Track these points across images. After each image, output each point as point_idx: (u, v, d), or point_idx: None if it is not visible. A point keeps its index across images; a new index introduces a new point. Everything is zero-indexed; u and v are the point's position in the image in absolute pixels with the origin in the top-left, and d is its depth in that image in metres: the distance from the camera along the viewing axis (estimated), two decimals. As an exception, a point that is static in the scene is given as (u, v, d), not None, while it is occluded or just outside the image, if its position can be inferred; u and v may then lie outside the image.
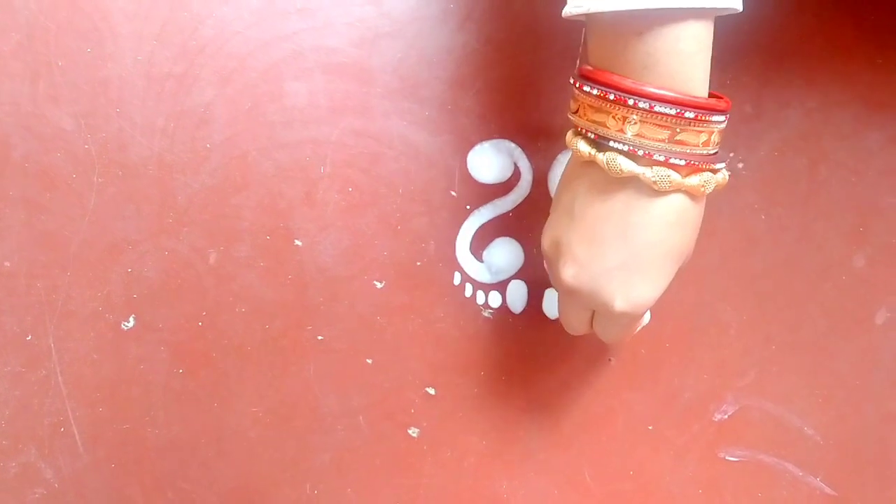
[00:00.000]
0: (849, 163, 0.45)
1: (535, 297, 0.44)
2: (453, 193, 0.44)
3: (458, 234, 0.44)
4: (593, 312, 0.37)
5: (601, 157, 0.33)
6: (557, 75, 0.44)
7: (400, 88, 0.44)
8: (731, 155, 0.44)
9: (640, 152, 0.32)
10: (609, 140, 0.32)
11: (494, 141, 0.44)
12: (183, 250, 0.43)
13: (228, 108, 0.43)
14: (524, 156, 0.44)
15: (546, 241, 0.37)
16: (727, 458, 0.44)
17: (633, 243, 0.33)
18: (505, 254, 0.44)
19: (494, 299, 0.44)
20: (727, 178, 0.35)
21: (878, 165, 0.45)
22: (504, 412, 0.44)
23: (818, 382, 0.44)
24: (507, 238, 0.44)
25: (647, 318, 0.41)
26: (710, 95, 0.33)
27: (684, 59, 0.32)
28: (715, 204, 0.44)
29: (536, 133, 0.44)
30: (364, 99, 0.44)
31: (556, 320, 0.44)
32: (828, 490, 0.44)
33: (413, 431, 0.44)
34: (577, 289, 0.35)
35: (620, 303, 0.34)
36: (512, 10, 0.44)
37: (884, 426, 0.44)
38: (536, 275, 0.44)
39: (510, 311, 0.44)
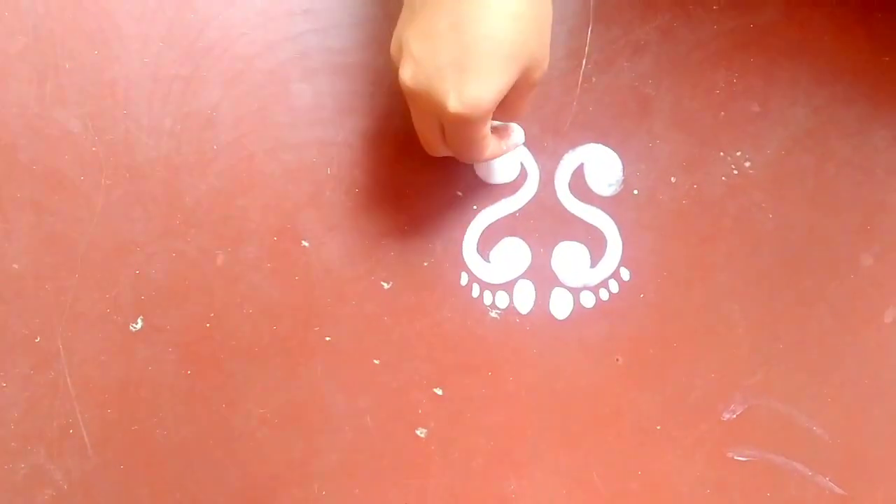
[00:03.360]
0: (856, 161, 0.44)
1: (542, 298, 0.44)
2: (460, 194, 0.44)
3: (464, 234, 0.44)
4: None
5: None
6: (563, 76, 0.44)
7: (406, 89, 0.44)
8: (738, 153, 0.44)
9: None
10: None
11: (501, 141, 0.44)
12: (190, 252, 0.43)
13: (235, 109, 0.43)
14: (531, 156, 0.44)
15: (393, 44, 0.35)
16: (735, 457, 0.44)
17: (464, 37, 0.32)
18: (512, 254, 0.44)
19: (501, 299, 0.44)
20: None
21: (886, 163, 0.44)
22: (512, 412, 0.44)
23: (826, 381, 0.44)
24: (514, 238, 0.44)
25: (519, 135, 0.39)
26: None
27: None
28: (722, 202, 0.44)
29: (542, 133, 0.44)
30: (369, 100, 0.44)
31: (564, 321, 0.44)
32: (836, 489, 0.44)
33: (421, 432, 0.44)
34: (414, 90, 0.33)
35: (454, 102, 0.32)
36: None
37: (892, 425, 0.44)
38: (543, 275, 0.44)
39: (517, 312, 0.44)
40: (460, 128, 0.34)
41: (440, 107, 0.33)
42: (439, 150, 0.38)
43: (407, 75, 0.33)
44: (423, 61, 0.33)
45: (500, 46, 0.32)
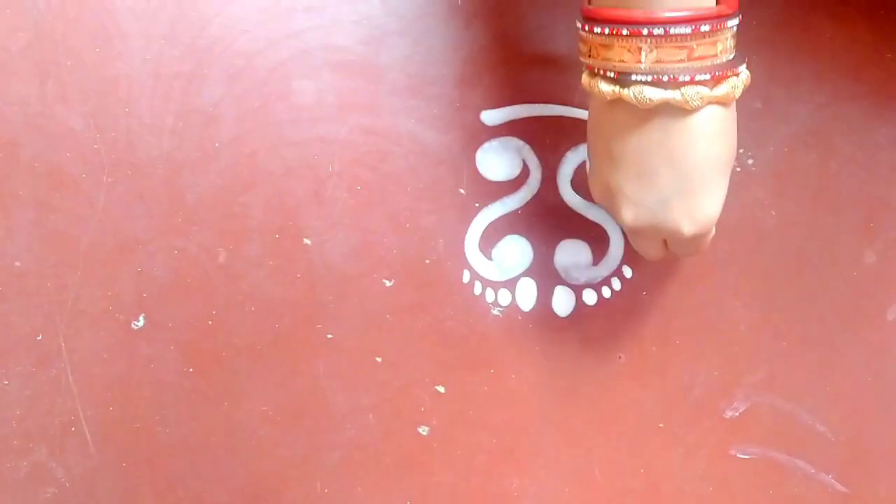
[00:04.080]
0: (859, 158, 0.44)
1: (544, 295, 0.44)
2: (462, 191, 0.44)
3: (467, 231, 0.44)
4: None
5: (627, 93, 0.32)
6: (565, 72, 0.44)
7: (408, 86, 0.44)
8: (741, 151, 0.44)
9: (665, 78, 0.32)
10: (630, 74, 0.32)
11: (503, 138, 0.44)
12: (192, 249, 0.43)
13: (237, 106, 0.43)
14: (533, 153, 0.44)
15: (596, 191, 0.36)
16: (738, 455, 0.44)
17: (681, 167, 0.33)
18: (514, 251, 0.44)
19: (504, 297, 0.44)
20: (750, 77, 0.34)
21: (889, 161, 0.44)
22: (514, 410, 0.44)
23: (829, 379, 0.44)
24: (517, 235, 0.44)
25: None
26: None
27: None
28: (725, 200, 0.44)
29: (545, 130, 0.44)
30: (372, 97, 0.44)
31: (566, 318, 0.44)
32: (839, 487, 0.44)
33: (423, 429, 0.44)
34: (641, 227, 0.35)
35: (688, 226, 0.34)
36: (519, 7, 0.44)
37: (895, 422, 0.44)
38: (546, 272, 0.44)
39: (519, 309, 0.44)
40: (694, 242, 0.36)
41: (673, 233, 0.35)
42: (660, 256, 0.39)
43: (629, 217, 0.35)
44: (645, 200, 0.34)
45: (716, 163, 0.34)
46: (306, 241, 0.44)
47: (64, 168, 0.43)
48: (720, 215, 0.35)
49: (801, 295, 0.44)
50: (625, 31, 0.31)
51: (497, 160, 0.44)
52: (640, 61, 0.32)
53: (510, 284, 0.44)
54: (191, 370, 0.43)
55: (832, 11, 0.44)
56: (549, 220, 0.44)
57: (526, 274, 0.44)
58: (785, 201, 0.44)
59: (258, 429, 0.44)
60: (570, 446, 0.44)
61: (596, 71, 0.34)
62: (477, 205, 0.44)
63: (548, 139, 0.44)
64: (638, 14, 0.31)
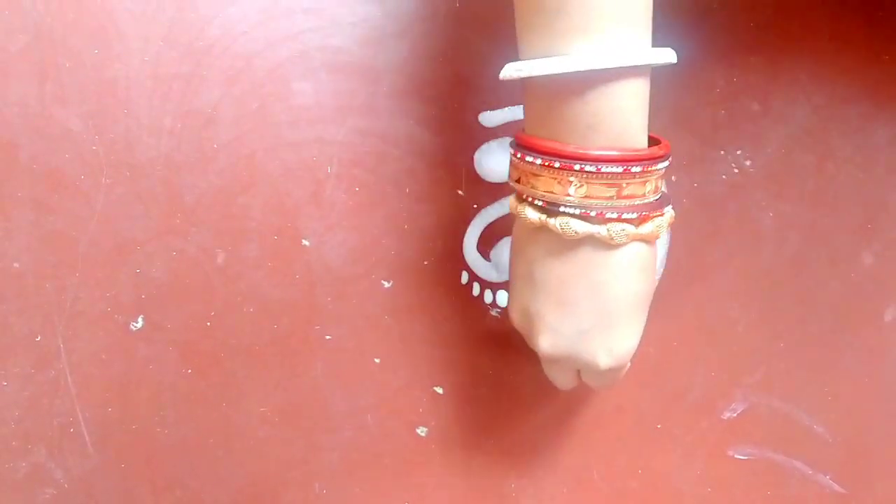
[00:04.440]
0: (856, 159, 0.44)
1: (542, 296, 0.44)
2: (460, 192, 0.44)
3: (465, 233, 0.44)
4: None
5: (553, 223, 0.32)
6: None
7: (406, 88, 0.44)
8: (739, 152, 0.44)
9: (592, 213, 0.32)
10: (558, 205, 0.32)
11: (501, 139, 0.44)
12: (191, 250, 0.43)
13: (235, 107, 0.43)
14: (531, 154, 0.44)
15: (514, 315, 0.36)
16: (736, 456, 0.44)
17: (603, 299, 0.33)
18: (512, 252, 0.44)
19: (502, 298, 0.44)
20: (674, 215, 0.35)
21: (886, 162, 0.44)
22: (512, 411, 0.44)
23: (827, 380, 0.44)
24: (515, 237, 0.44)
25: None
26: (649, 140, 0.33)
27: (628, 115, 0.31)
28: (722, 201, 0.44)
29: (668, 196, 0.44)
30: (370, 98, 0.44)
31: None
32: (837, 488, 0.44)
33: (421, 430, 0.44)
34: (557, 356, 0.35)
35: (605, 359, 0.34)
36: (518, 8, 0.44)
37: (893, 423, 0.44)
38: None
39: (518, 310, 0.44)
40: (609, 375, 0.36)
41: (589, 365, 0.34)
42: (572, 386, 0.39)
43: (546, 346, 0.35)
44: (563, 329, 0.34)
45: (638, 298, 0.34)
46: (305, 242, 0.44)
47: (63, 169, 0.43)
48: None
49: (799, 296, 0.44)
50: (556, 164, 0.31)
51: (495, 161, 0.44)
52: (568, 194, 0.32)
53: (508, 286, 0.44)
54: (189, 371, 0.43)
55: (830, 13, 0.44)
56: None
57: (524, 275, 0.44)
58: (783, 202, 0.44)
59: (257, 429, 0.44)
60: (569, 447, 0.44)
61: (524, 197, 0.34)
62: (475, 206, 0.44)
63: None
64: (570, 149, 0.31)
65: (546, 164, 0.32)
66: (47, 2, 0.43)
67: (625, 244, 0.33)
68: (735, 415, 0.44)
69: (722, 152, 0.44)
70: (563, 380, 0.38)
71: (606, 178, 0.31)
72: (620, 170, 0.31)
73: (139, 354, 0.43)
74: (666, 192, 0.35)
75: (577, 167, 0.31)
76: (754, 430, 0.44)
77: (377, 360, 0.44)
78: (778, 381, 0.44)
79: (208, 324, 0.43)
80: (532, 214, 0.33)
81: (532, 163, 0.32)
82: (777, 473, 0.44)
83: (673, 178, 0.44)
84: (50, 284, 0.43)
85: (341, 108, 0.44)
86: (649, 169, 0.32)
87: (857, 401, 0.44)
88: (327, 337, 0.44)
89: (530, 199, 0.33)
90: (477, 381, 0.44)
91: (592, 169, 0.31)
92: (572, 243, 0.33)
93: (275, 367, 0.44)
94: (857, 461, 0.44)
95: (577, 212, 0.32)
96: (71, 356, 0.43)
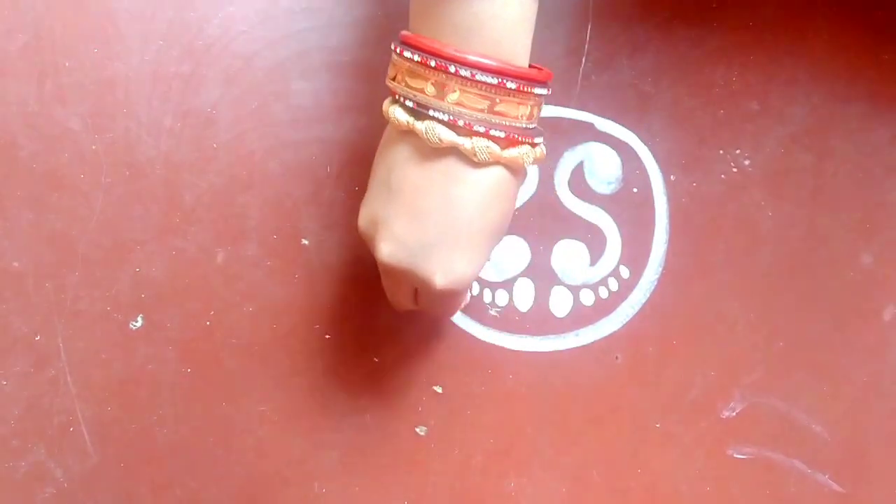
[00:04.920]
0: (855, 159, 0.44)
1: (541, 296, 0.44)
2: (460, 192, 0.44)
3: (464, 232, 0.44)
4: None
5: (419, 126, 0.32)
6: (561, 74, 0.44)
7: (406, 87, 0.44)
8: (738, 151, 0.44)
9: (461, 122, 0.32)
10: (428, 108, 0.32)
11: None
12: (190, 250, 0.43)
13: (235, 107, 0.43)
14: (530, 154, 0.44)
15: (362, 221, 0.36)
16: (735, 455, 0.44)
17: (453, 217, 0.33)
18: (511, 252, 0.44)
19: (501, 297, 0.44)
20: (545, 152, 0.34)
21: (885, 161, 0.44)
22: (511, 410, 0.44)
23: (826, 379, 0.44)
24: (514, 236, 0.44)
25: (467, 294, 0.41)
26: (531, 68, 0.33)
27: (509, 25, 0.31)
28: (721, 201, 0.44)
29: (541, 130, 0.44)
30: (370, 98, 0.44)
31: (563, 318, 0.44)
32: (836, 487, 0.44)
33: (420, 430, 0.44)
34: (395, 266, 0.34)
35: (441, 280, 0.33)
36: (517, 8, 0.44)
37: (892, 423, 0.44)
38: (543, 273, 0.44)
39: (517, 310, 0.44)
40: (442, 299, 0.35)
41: (425, 283, 0.34)
42: (407, 307, 0.39)
43: (385, 253, 0.34)
44: (407, 240, 0.33)
45: (490, 224, 0.33)
46: (304, 241, 0.44)
47: (62, 169, 0.43)
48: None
49: (798, 295, 0.45)
50: (432, 63, 0.31)
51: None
52: (441, 98, 0.31)
53: (507, 285, 0.45)
54: (189, 370, 0.44)
55: (829, 13, 0.44)
56: (546, 220, 0.44)
57: (523, 274, 0.45)
58: (781, 202, 0.44)
59: (256, 429, 0.44)
60: (568, 446, 0.44)
61: (397, 97, 0.34)
62: (474, 205, 0.44)
63: (545, 140, 0.44)
64: (448, 50, 0.31)
65: (422, 61, 0.31)
66: (47, 1, 0.43)
67: (487, 164, 0.32)
68: (734, 414, 0.44)
69: (721, 151, 0.44)
70: (400, 297, 0.38)
71: (480, 89, 0.31)
72: (495, 81, 0.31)
73: (139, 354, 0.43)
74: (542, 129, 0.35)
75: (452, 69, 0.31)
76: (753, 429, 0.44)
77: (376, 360, 0.44)
78: (777, 380, 0.44)
79: (208, 323, 0.44)
80: (401, 115, 0.33)
81: (410, 59, 0.32)
82: (776, 473, 0.44)
83: (672, 177, 0.44)
84: (49, 284, 0.43)
85: (341, 108, 0.44)
86: (525, 90, 0.32)
87: (856, 400, 0.44)
88: (327, 336, 0.44)
89: (402, 100, 0.33)
90: (476, 380, 0.44)
91: (467, 74, 0.31)
92: (434, 152, 0.32)
93: (274, 367, 0.44)
94: (856, 460, 0.44)
95: (446, 118, 0.32)
96: (70, 355, 0.43)
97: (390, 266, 0.34)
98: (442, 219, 0.33)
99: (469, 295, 0.39)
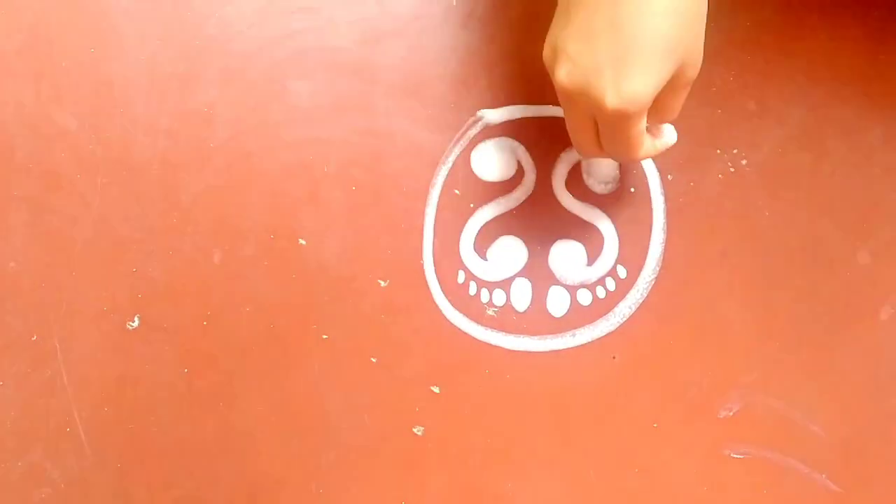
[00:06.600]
0: (852, 159, 0.44)
1: (538, 296, 0.44)
2: (457, 192, 0.44)
3: (461, 232, 0.44)
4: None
5: None
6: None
7: (403, 87, 0.44)
8: (735, 151, 0.44)
9: None
10: None
11: (497, 139, 0.44)
12: (187, 250, 0.43)
13: (232, 107, 0.43)
14: (528, 154, 0.44)
15: (546, 50, 0.36)
16: (732, 455, 0.44)
17: (622, 34, 0.33)
18: (509, 252, 0.44)
19: (499, 297, 0.44)
20: None
21: (882, 162, 0.44)
22: (508, 410, 0.44)
23: (823, 379, 0.44)
24: (511, 236, 0.44)
25: (671, 135, 0.39)
26: None
27: None
28: (718, 200, 0.44)
29: (540, 131, 0.44)
30: (367, 98, 0.44)
31: (561, 318, 0.44)
32: (833, 487, 0.44)
33: (418, 430, 0.44)
34: (571, 88, 0.34)
35: (612, 98, 0.33)
36: (513, 8, 0.44)
37: (889, 422, 0.44)
38: (540, 273, 0.44)
39: (514, 310, 0.44)
40: (618, 124, 0.35)
41: (598, 103, 0.34)
42: (592, 150, 0.38)
43: (563, 74, 0.34)
44: (580, 60, 0.34)
45: (659, 42, 0.33)
46: (301, 241, 0.44)
47: (59, 169, 0.43)
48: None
49: (795, 295, 0.45)
50: None
51: (492, 161, 0.44)
52: None
53: (505, 285, 0.45)
54: (186, 371, 0.43)
55: (826, 13, 0.44)
56: (543, 220, 0.44)
57: (521, 274, 0.45)
58: (779, 202, 0.44)
59: (253, 429, 0.44)
60: (565, 446, 0.44)
61: None
62: (472, 205, 0.44)
63: (543, 140, 0.44)
64: None
65: None
66: (44, 2, 0.43)
67: None
68: (731, 414, 0.44)
69: (718, 151, 0.44)
70: (581, 134, 0.37)
71: None
72: None
73: (135, 354, 0.43)
74: None
75: None
76: (750, 429, 0.44)
77: (374, 360, 0.44)
78: (774, 380, 0.44)
79: (205, 323, 0.43)
80: None
81: None
82: (773, 472, 0.44)
83: (669, 176, 0.44)
84: (46, 284, 0.43)
85: (338, 108, 0.44)
86: None
87: (853, 400, 0.44)
88: (324, 336, 0.44)
89: None
90: (474, 380, 0.44)
91: None
92: None
93: (272, 367, 0.44)
94: (853, 460, 0.44)
95: None
96: (67, 356, 0.43)
97: (566, 87, 0.34)
98: (611, 37, 0.33)
99: (649, 143, 0.38)
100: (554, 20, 0.36)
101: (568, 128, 0.38)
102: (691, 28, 0.34)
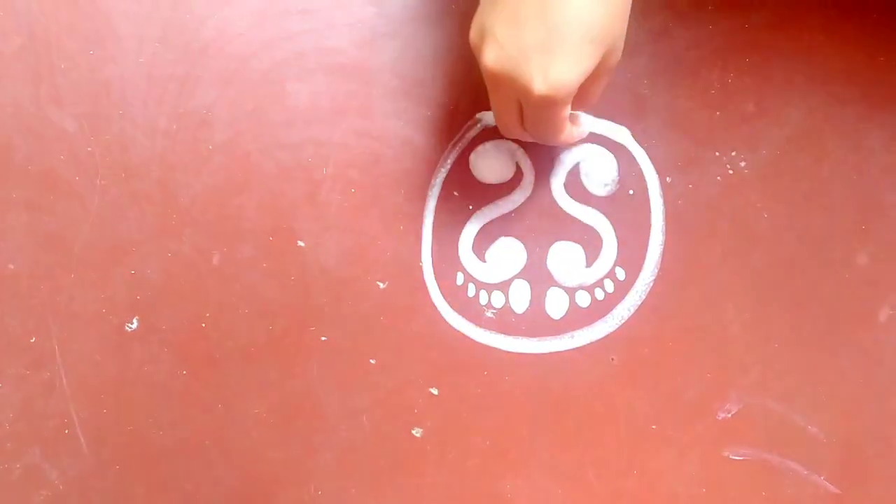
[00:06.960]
0: (851, 161, 0.44)
1: (537, 297, 0.44)
2: (456, 194, 0.44)
3: (460, 234, 0.44)
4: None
5: None
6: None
7: (401, 89, 0.44)
8: (734, 153, 0.44)
9: None
10: None
11: (496, 141, 0.44)
12: (186, 251, 0.43)
13: (230, 109, 0.43)
14: (525, 156, 0.44)
15: (473, 30, 0.36)
16: (731, 456, 0.44)
17: (551, 20, 0.33)
18: (508, 254, 0.44)
19: (497, 299, 0.44)
20: None
21: (881, 163, 0.44)
22: (507, 412, 0.44)
23: (821, 380, 0.44)
24: (510, 238, 0.44)
25: (587, 124, 0.40)
26: None
27: None
28: (717, 202, 0.44)
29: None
30: (365, 99, 0.44)
31: (560, 320, 0.44)
32: (831, 488, 0.44)
33: (416, 431, 0.44)
34: (497, 72, 0.34)
35: (539, 84, 0.33)
36: (513, 9, 0.44)
37: (887, 424, 0.44)
38: (539, 275, 0.44)
39: (513, 311, 0.44)
40: (543, 109, 0.35)
41: (525, 88, 0.34)
42: (516, 132, 0.39)
43: (490, 59, 0.34)
44: (508, 45, 0.34)
45: (586, 29, 0.33)
46: (300, 243, 0.44)
47: (57, 170, 0.43)
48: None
49: (794, 297, 0.45)
50: None
51: (490, 163, 0.44)
52: None
53: (504, 286, 0.45)
54: (184, 372, 0.43)
55: (825, 15, 0.44)
56: (542, 222, 0.44)
57: (519, 276, 0.45)
58: (777, 203, 0.44)
59: (252, 430, 0.44)
60: (564, 448, 0.44)
61: None
62: (470, 207, 0.44)
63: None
64: None
65: None
66: (42, 3, 0.43)
67: None
68: (730, 415, 0.44)
69: (717, 153, 0.44)
70: (506, 116, 0.38)
71: None
72: None
73: (134, 355, 0.43)
74: None
75: None
76: (749, 430, 0.44)
77: (373, 361, 0.44)
78: (772, 381, 0.44)
79: (203, 325, 0.43)
80: None
81: None
82: (771, 474, 0.44)
83: (668, 178, 0.44)
84: (45, 286, 0.43)
85: (336, 110, 0.44)
86: None
87: (852, 401, 0.44)
88: (323, 338, 0.44)
89: None
90: (472, 382, 0.44)
91: None
92: None
93: (270, 369, 0.44)
94: (852, 461, 0.44)
95: None
96: (66, 357, 0.43)
97: (493, 72, 0.35)
98: (540, 23, 0.33)
99: (574, 131, 0.39)
100: (482, 3, 0.36)
101: (493, 109, 0.39)
102: (617, 16, 0.34)
